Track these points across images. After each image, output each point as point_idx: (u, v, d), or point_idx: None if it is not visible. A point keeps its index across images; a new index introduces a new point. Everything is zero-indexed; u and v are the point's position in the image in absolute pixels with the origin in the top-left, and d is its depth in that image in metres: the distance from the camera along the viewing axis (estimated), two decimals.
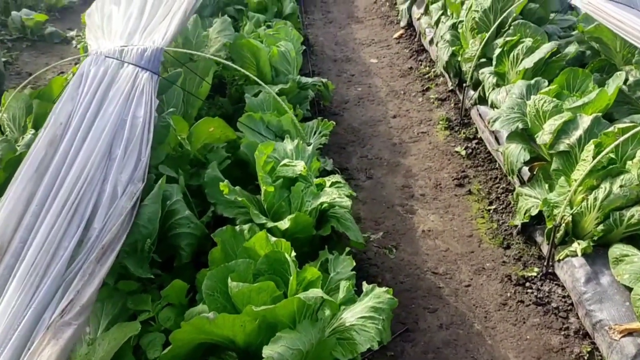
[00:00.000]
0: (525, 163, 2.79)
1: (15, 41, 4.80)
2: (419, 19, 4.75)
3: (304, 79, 3.74)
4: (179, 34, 3.26)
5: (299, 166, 2.44)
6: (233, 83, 3.89)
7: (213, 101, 3.77)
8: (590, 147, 2.37)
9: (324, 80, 3.88)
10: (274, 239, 1.99)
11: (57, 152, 2.07)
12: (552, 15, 3.98)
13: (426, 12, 4.57)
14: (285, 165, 2.48)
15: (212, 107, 3.69)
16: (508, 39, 3.28)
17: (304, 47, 4.77)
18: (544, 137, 2.58)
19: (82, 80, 2.52)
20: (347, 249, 2.24)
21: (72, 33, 5.08)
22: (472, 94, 3.63)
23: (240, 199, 2.20)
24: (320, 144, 3.26)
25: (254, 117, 3.07)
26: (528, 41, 3.19)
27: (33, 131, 2.83)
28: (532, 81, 2.98)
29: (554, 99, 2.70)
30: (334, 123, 3.29)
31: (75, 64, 4.57)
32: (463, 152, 3.46)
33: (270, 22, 4.63)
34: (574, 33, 3.65)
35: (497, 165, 3.30)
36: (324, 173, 3.29)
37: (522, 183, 2.89)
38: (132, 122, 2.34)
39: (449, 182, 3.27)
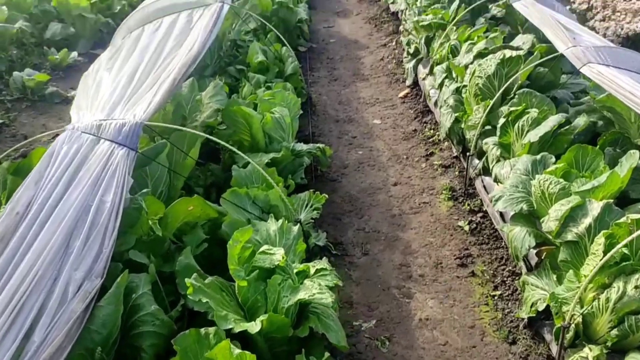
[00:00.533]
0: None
1: (16, 101, 4.76)
2: (424, 78, 4.59)
3: (299, 146, 3.56)
4: (165, 103, 3.14)
5: (278, 255, 2.23)
6: (226, 149, 3.75)
7: (205, 168, 3.62)
8: (600, 240, 2.12)
9: (321, 146, 3.70)
10: (237, 350, 1.77)
11: (6, 248, 1.91)
12: (564, 76, 3.79)
13: (431, 72, 4.42)
14: (263, 253, 2.27)
15: (203, 175, 3.53)
16: (512, 108, 3.08)
17: (306, 107, 4.65)
18: (549, 223, 2.35)
19: (50, 160, 2.38)
20: (327, 354, 2.01)
21: (73, 92, 5.02)
22: (477, 162, 3.41)
23: (205, 300, 1.99)
24: (311, 218, 3.06)
25: (238, 192, 2.89)
26: (533, 112, 2.99)
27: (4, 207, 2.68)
28: (538, 156, 2.77)
29: (561, 180, 2.47)
30: (327, 196, 3.10)
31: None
32: (467, 228, 3.22)
33: (271, 82, 4.51)
34: (585, 99, 3.44)
35: (502, 244, 3.06)
36: (315, 249, 3.08)
37: (530, 269, 2.63)
38: (98, 208, 2.17)
39: (451, 261, 3.03)
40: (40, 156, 2.93)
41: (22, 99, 4.76)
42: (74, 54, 5.54)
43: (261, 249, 2.29)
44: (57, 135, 4.45)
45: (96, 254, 2.02)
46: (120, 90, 3.13)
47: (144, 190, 2.54)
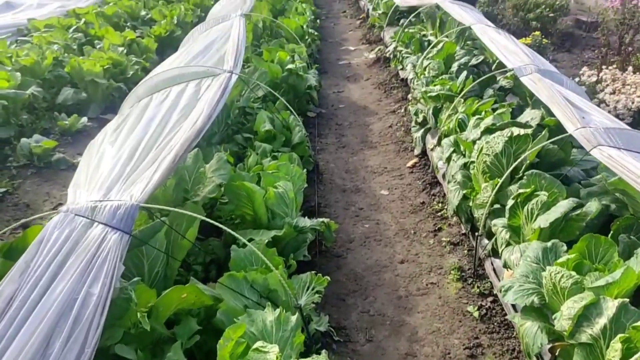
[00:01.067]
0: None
1: (21, 168, 4.76)
2: (432, 149, 4.53)
3: (303, 222, 3.47)
4: (165, 181, 3.08)
5: (272, 354, 2.10)
6: (228, 224, 3.67)
7: (205, 243, 3.53)
8: (617, 345, 1.97)
9: (326, 221, 3.61)
10: None
11: None
12: (575, 151, 3.68)
13: (439, 143, 4.35)
14: (257, 350, 2.14)
15: (203, 251, 3.44)
16: (521, 190, 2.98)
17: (313, 175, 4.59)
18: (562, 322, 2.20)
19: (39, 247, 2.31)
20: None
21: (80, 159, 5.02)
22: (486, 243, 3.29)
23: None
24: (313, 302, 2.93)
25: (236, 276, 2.78)
26: (543, 195, 2.88)
27: None
28: (549, 244, 2.64)
29: (573, 273, 2.33)
30: (329, 279, 2.98)
31: None
32: (476, 314, 3.06)
33: (278, 152, 4.48)
34: (597, 177, 3.33)
35: (514, 334, 2.89)
36: (316, 334, 2.94)
37: None
38: (84, 302, 2.07)
39: (459, 351, 2.86)
40: (34, 236, 2.86)
41: (29, 166, 4.76)
42: (84, 119, 5.58)
43: (255, 346, 2.16)
44: (60, 204, 4.42)
45: (77, 354, 1.91)
46: (120, 167, 3.09)
47: (134, 280, 2.44)
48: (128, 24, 8.77)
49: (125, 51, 6.90)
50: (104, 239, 2.40)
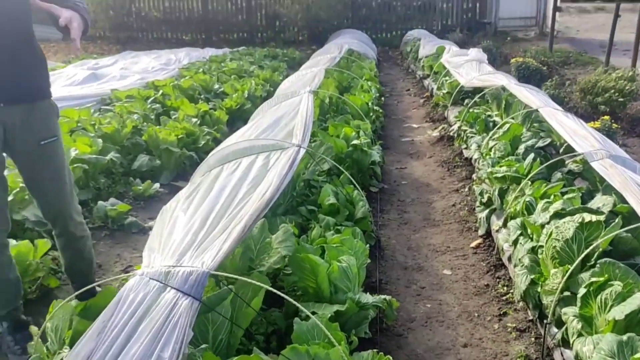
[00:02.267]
0: None
1: (96, 230, 5.00)
2: (497, 230, 4.47)
3: (365, 298, 3.46)
4: (234, 250, 3.18)
5: None
6: (290, 295, 3.70)
7: (267, 314, 3.56)
8: None
9: (388, 298, 3.58)
10: None
11: None
12: None
13: (505, 225, 4.29)
14: None
15: (265, 322, 3.47)
16: (594, 279, 2.88)
17: (374, 251, 4.60)
18: None
19: (115, 309, 2.41)
20: None
21: (151, 223, 5.25)
22: (555, 331, 3.15)
23: None
24: None
25: (299, 350, 2.78)
26: (617, 285, 2.77)
27: (68, 349, 2.71)
28: (625, 337, 2.51)
29: None
30: (391, 358, 2.91)
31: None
32: None
33: (341, 225, 4.53)
34: None
35: None
36: None
37: None
38: None
39: None
40: (107, 297, 2.99)
41: (103, 227, 5.01)
42: (157, 185, 5.87)
43: None
44: (130, 266, 4.59)
45: None
46: (192, 234, 3.21)
47: (202, 347, 2.50)
48: (202, 96, 9.32)
49: (198, 122, 7.31)
50: (176, 304, 2.48)
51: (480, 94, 7.60)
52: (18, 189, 4.36)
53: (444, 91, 9.24)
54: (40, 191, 3.11)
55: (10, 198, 4.37)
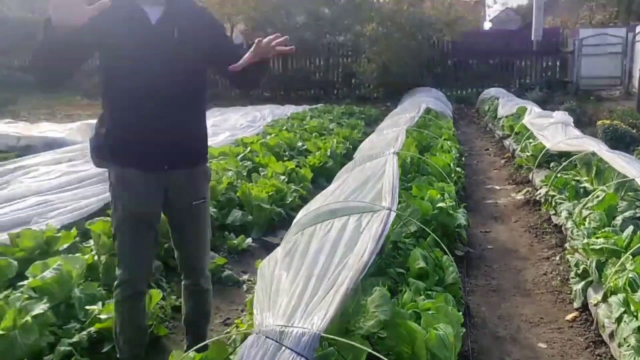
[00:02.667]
0: None
1: None
2: (595, 304, 4.34)
3: None
4: (339, 312, 3.31)
5: None
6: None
7: None
8: None
9: None
10: None
11: None
12: None
13: (605, 300, 4.18)
14: None
15: None
16: None
17: (464, 319, 4.57)
18: None
19: None
20: None
21: (245, 277, 5.46)
22: None
23: None
24: None
25: None
26: None
27: None
28: None
29: None
30: None
31: (241, 310, 4.83)
32: None
33: (431, 290, 4.56)
34: None
35: None
36: None
37: None
38: None
39: None
40: (220, 350, 3.19)
41: None
42: (249, 239, 6.13)
43: None
44: (228, 319, 4.78)
45: None
46: (297, 296, 3.38)
47: None
48: (287, 153, 9.71)
49: (285, 179, 7.61)
50: None
51: (567, 159, 7.50)
52: None
53: (528, 153, 9.16)
54: (185, 246, 3.39)
55: None
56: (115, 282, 3.31)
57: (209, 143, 9.69)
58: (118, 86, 2.91)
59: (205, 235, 3.44)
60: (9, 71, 26.41)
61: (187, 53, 2.96)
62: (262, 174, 7.82)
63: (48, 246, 5.07)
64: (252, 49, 2.88)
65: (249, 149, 9.19)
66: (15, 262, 4.59)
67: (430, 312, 3.87)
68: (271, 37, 2.86)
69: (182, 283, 3.55)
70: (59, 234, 5.20)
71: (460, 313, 4.06)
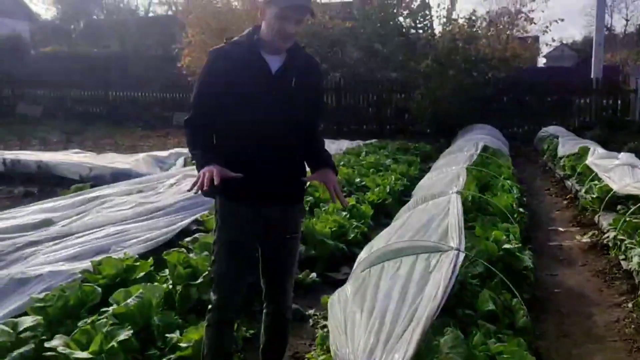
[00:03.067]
0: None
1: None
2: None
3: None
4: (417, 352, 3.35)
5: None
6: None
7: None
8: None
9: None
10: None
11: None
12: None
13: None
14: None
15: None
16: None
17: None
18: None
19: None
20: None
21: (311, 311, 5.55)
22: None
23: None
24: None
25: None
26: None
27: None
28: None
29: None
30: None
31: (309, 345, 4.92)
32: None
33: (501, 334, 4.52)
34: None
35: None
36: None
37: None
38: None
39: None
40: None
41: None
42: (313, 275, 6.24)
43: None
44: (297, 352, 4.87)
45: None
46: (374, 335, 3.47)
47: None
48: (345, 189, 9.83)
49: (347, 215, 7.71)
50: None
51: (636, 202, 7.32)
52: (206, 272, 4.90)
53: (593, 195, 8.96)
54: (274, 277, 3.58)
55: (200, 280, 4.93)
56: (209, 307, 3.50)
57: None
58: (236, 128, 3.13)
59: (294, 267, 3.64)
60: (78, 103, 27.94)
61: (300, 103, 3.20)
62: (323, 209, 7.96)
63: (127, 274, 5.32)
64: (320, 175, 3.37)
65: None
66: (99, 289, 4.84)
67: (504, 356, 3.85)
68: (336, 191, 3.34)
69: (265, 312, 3.70)
70: (137, 263, 5.45)
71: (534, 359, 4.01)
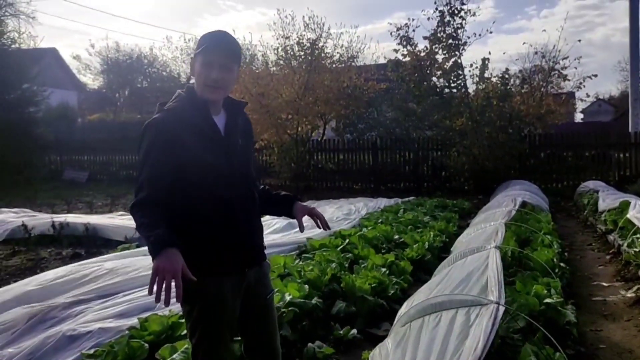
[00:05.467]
0: None
1: None
2: None
3: None
4: None
5: None
6: None
7: None
8: None
9: None
10: None
11: None
12: None
13: None
14: None
15: None
16: None
17: None
18: None
19: None
20: None
21: None
22: None
23: None
24: None
25: None
26: None
27: None
28: None
29: None
30: None
31: None
32: None
33: None
34: None
35: None
36: None
37: None
38: None
39: None
40: None
41: None
42: (354, 331, 6.31)
43: None
44: None
45: None
46: None
47: None
48: (384, 245, 9.94)
49: (387, 272, 7.81)
50: None
51: None
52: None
53: (636, 249, 8.82)
54: (257, 338, 3.37)
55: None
56: None
57: (309, 235, 10.17)
58: (201, 199, 2.90)
59: (276, 325, 3.47)
60: (122, 168, 29.07)
61: (249, 160, 3.19)
62: (362, 265, 8.08)
63: (172, 330, 5.52)
64: (304, 208, 3.35)
65: (347, 240, 9.53)
66: (147, 345, 5.05)
67: None
68: (319, 219, 3.38)
69: None
70: (182, 320, 5.66)
71: None
